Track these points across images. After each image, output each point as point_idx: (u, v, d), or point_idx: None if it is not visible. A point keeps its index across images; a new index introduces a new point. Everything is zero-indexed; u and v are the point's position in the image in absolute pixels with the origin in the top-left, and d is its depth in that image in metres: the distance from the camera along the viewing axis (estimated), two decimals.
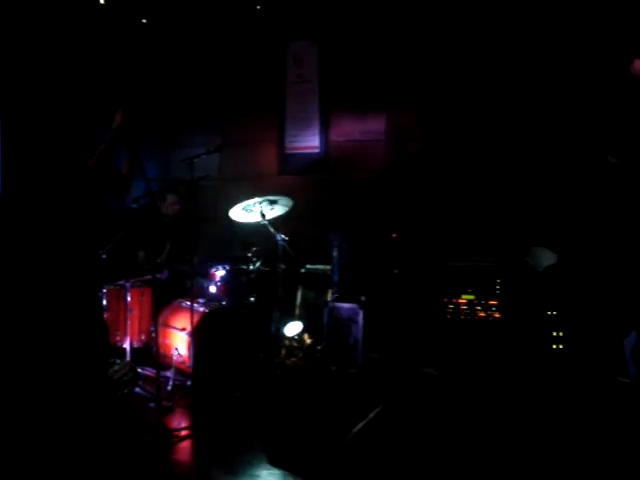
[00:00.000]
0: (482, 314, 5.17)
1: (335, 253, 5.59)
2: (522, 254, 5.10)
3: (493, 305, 5.15)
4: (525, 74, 5.55)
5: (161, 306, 5.29)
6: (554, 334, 4.85)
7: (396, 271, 5.66)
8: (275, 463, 3.70)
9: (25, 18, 6.64)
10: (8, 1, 6.19)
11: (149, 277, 5.27)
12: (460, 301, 5.27)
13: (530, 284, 5.04)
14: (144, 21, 7.21)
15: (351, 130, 6.53)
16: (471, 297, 5.23)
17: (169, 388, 4.73)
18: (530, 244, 5.14)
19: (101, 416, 3.88)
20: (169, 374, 4.82)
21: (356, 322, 5.37)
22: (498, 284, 5.15)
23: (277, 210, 5.47)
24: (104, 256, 5.00)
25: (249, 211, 5.34)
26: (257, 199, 5.24)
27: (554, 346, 4.84)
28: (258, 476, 3.57)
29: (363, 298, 5.41)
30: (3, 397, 3.79)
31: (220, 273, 5.48)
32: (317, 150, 6.69)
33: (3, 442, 3.62)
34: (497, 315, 5.13)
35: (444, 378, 4.99)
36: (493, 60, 5.69)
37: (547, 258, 4.93)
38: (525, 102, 5.55)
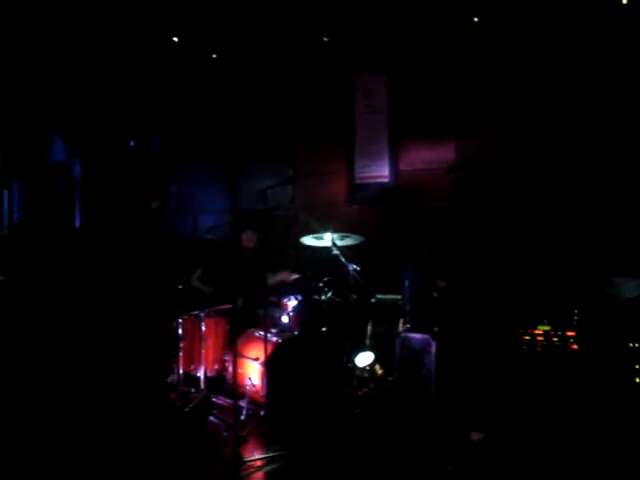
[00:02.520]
0: (559, 345, 5.02)
1: (407, 283, 5.55)
2: (602, 283, 4.94)
3: (571, 336, 5.00)
4: (605, 96, 5.45)
5: (234, 336, 5.35)
6: (637, 367, 4.65)
7: (468, 302, 5.56)
8: None
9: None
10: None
11: (224, 307, 5.35)
12: (536, 332, 5.14)
13: (611, 314, 4.87)
14: (214, 56, 7.44)
15: (421, 159, 6.53)
16: (547, 328, 5.10)
17: (242, 417, 4.75)
18: (610, 273, 4.98)
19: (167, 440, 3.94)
20: (243, 403, 4.84)
21: (429, 353, 5.29)
22: (576, 314, 5.00)
23: (347, 241, 5.50)
24: (180, 287, 5.12)
25: (320, 239, 5.40)
26: (329, 234, 5.28)
27: (637, 379, 4.65)
28: None
29: (436, 329, 5.33)
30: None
31: (292, 303, 5.51)
32: (387, 179, 6.71)
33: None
34: (575, 347, 4.98)
35: (520, 412, 4.84)
36: (567, 83, 5.62)
37: (630, 288, 4.76)
38: (608, 128, 5.44)
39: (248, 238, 5.99)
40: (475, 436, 4.39)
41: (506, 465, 4.01)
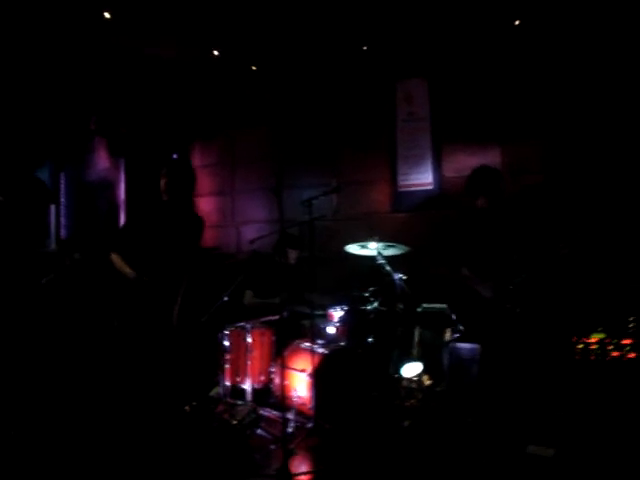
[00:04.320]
0: (615, 354, 4.86)
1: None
2: None
3: (627, 344, 4.83)
4: None
5: (280, 347, 5.32)
6: None
7: (518, 310, 5.44)
8: None
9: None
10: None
11: (269, 318, 5.34)
12: (590, 340, 4.99)
13: None
14: (254, 68, 7.47)
15: (464, 165, 6.42)
16: (602, 335, 4.94)
17: (290, 430, 4.71)
18: None
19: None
20: (290, 416, 4.80)
21: (478, 363, 5.18)
22: (632, 320, 4.84)
23: (392, 251, 5.43)
24: (226, 299, 5.11)
25: (364, 248, 5.35)
26: (375, 244, 5.22)
27: None
28: None
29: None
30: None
31: (338, 314, 5.46)
32: (430, 187, 6.63)
33: None
34: (632, 355, 4.81)
35: (573, 423, 4.69)
36: (625, 90, 5.49)
37: None
38: None
39: (292, 257, 5.98)
40: (543, 451, 4.25)
41: None
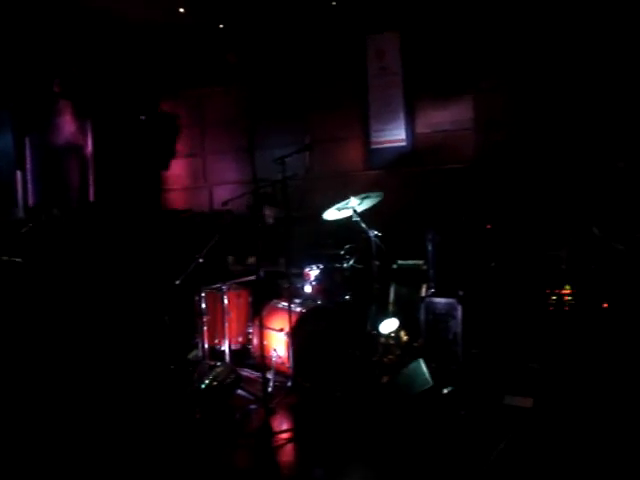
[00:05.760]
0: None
1: (430, 247, 5.45)
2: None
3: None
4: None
5: (257, 308, 5.30)
6: None
7: (493, 264, 5.48)
8: (378, 468, 3.63)
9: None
10: None
11: (246, 279, 5.30)
12: (563, 292, 5.05)
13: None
14: (221, 26, 7.29)
15: (438, 121, 6.39)
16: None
17: (270, 389, 4.71)
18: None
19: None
20: (269, 375, 4.81)
21: (454, 317, 5.21)
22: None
23: (366, 203, 5.38)
24: (201, 260, 5.06)
25: (340, 209, 5.29)
26: (349, 199, 5.17)
27: None
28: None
29: (461, 292, 5.25)
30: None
31: (314, 272, 5.44)
32: (404, 143, 6.58)
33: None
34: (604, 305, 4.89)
35: (548, 372, 4.77)
36: (584, 44, 5.46)
37: None
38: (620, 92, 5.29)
39: (267, 214, 5.91)
40: (519, 402, 4.31)
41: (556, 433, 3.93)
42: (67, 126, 7.15)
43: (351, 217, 5.24)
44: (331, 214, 5.30)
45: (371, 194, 5.27)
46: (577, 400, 4.30)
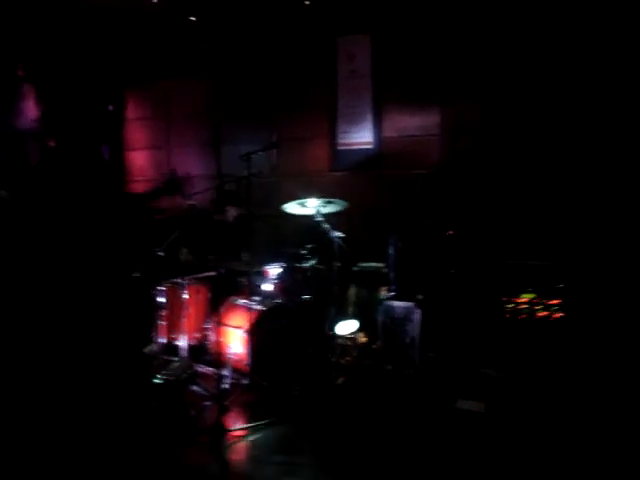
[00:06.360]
0: (543, 313, 5.03)
1: (391, 251, 5.49)
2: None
3: (555, 304, 5.01)
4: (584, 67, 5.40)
5: (216, 304, 5.27)
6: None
7: (452, 270, 5.54)
8: (331, 468, 3.64)
9: None
10: None
11: (207, 274, 5.27)
12: (519, 300, 5.14)
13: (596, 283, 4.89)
14: (193, 19, 7.24)
15: (405, 125, 6.43)
16: (531, 296, 5.10)
17: (226, 386, 4.68)
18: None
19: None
20: (225, 372, 4.78)
21: (412, 321, 5.27)
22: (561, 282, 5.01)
23: (331, 207, 5.41)
24: (161, 254, 5.01)
25: (303, 205, 5.31)
26: (314, 199, 5.18)
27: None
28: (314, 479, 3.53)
29: (420, 296, 5.31)
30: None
31: (275, 271, 5.43)
32: (370, 146, 6.60)
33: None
34: (559, 315, 4.99)
35: (503, 379, 4.85)
36: (550, 54, 5.56)
37: None
38: (588, 98, 5.39)
39: (230, 211, 5.87)
40: (472, 406, 4.38)
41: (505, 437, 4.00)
42: (30, 111, 7.02)
43: (314, 217, 5.24)
44: (293, 208, 5.31)
45: (336, 201, 5.29)
46: (528, 406, 4.38)
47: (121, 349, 5.05)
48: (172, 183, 6.30)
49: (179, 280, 5.20)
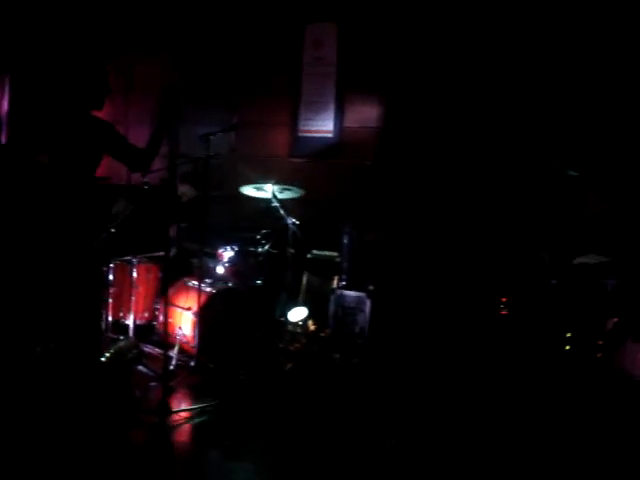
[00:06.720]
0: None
1: (345, 240, 5.52)
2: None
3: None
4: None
5: (166, 284, 5.21)
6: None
7: (404, 261, 5.62)
8: (274, 453, 3.66)
9: None
10: None
11: (156, 254, 5.21)
12: (464, 294, 5.26)
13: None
14: None
15: (366, 116, 6.45)
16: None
17: (172, 367, 4.66)
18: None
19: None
20: (172, 353, 4.75)
21: (362, 311, 5.32)
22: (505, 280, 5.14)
23: (288, 194, 5.41)
24: (113, 230, 4.91)
25: (258, 189, 5.30)
26: (270, 185, 5.18)
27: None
28: (257, 463, 3.54)
29: (371, 287, 5.36)
30: None
31: (228, 254, 5.40)
32: (331, 134, 6.60)
33: None
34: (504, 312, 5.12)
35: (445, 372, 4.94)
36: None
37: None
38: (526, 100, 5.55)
39: (183, 192, 5.77)
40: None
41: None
42: None
43: (270, 201, 5.24)
44: (249, 191, 5.30)
45: (293, 187, 5.29)
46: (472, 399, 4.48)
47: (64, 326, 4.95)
48: None
49: (130, 258, 5.13)
